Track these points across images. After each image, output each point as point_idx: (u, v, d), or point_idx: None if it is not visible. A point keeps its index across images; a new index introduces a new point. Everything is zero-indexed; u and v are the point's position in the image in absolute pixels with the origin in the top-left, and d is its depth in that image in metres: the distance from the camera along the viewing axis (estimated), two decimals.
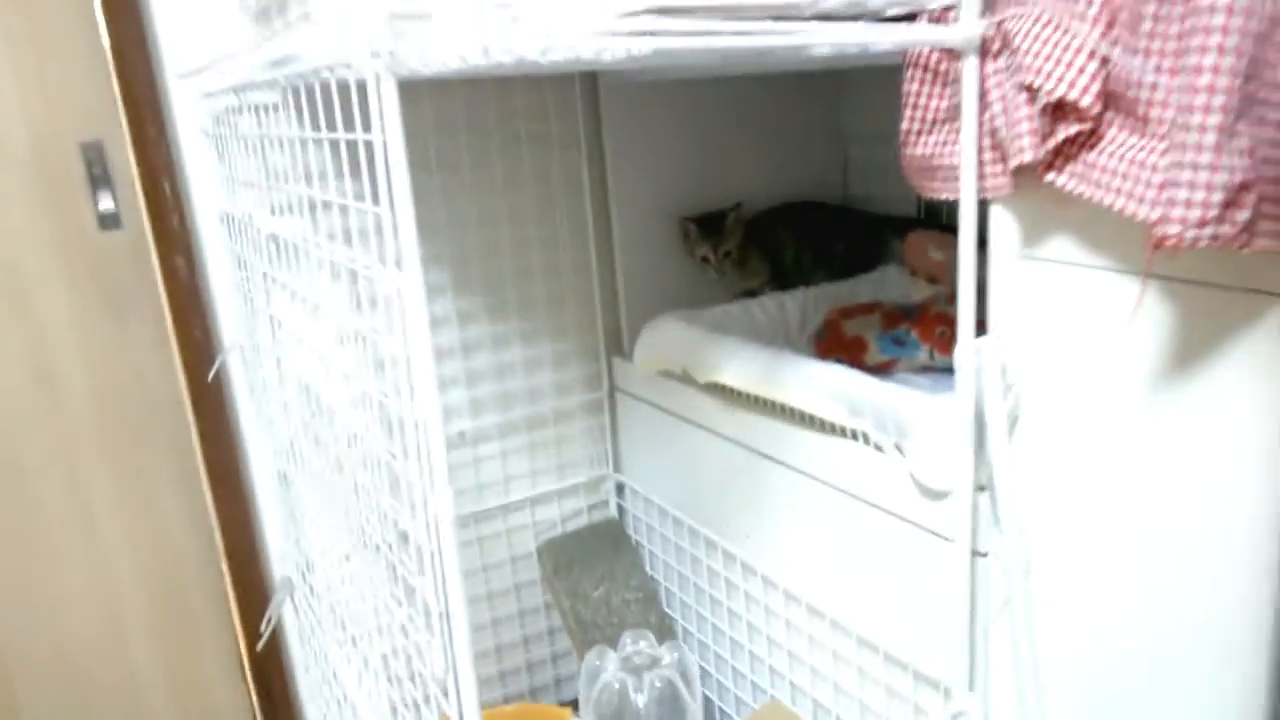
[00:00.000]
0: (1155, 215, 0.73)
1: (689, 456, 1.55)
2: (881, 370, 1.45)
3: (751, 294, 1.67)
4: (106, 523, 1.54)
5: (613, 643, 1.61)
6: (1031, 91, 0.84)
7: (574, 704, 1.70)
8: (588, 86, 1.60)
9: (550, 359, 1.68)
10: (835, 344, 1.50)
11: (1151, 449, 0.85)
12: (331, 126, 0.81)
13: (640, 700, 0.76)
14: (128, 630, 1.59)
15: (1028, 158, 0.85)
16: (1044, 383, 0.95)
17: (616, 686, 0.76)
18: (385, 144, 0.67)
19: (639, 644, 0.79)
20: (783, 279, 1.71)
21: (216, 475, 1.54)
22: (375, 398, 0.84)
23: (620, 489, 1.78)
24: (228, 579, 1.60)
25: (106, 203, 1.43)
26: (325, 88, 0.85)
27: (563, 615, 1.70)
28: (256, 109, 1.21)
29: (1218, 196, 0.68)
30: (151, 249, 1.44)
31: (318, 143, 1.03)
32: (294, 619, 1.63)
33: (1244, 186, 0.68)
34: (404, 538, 0.87)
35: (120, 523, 1.55)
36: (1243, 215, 0.69)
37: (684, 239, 1.67)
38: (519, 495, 1.71)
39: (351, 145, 0.79)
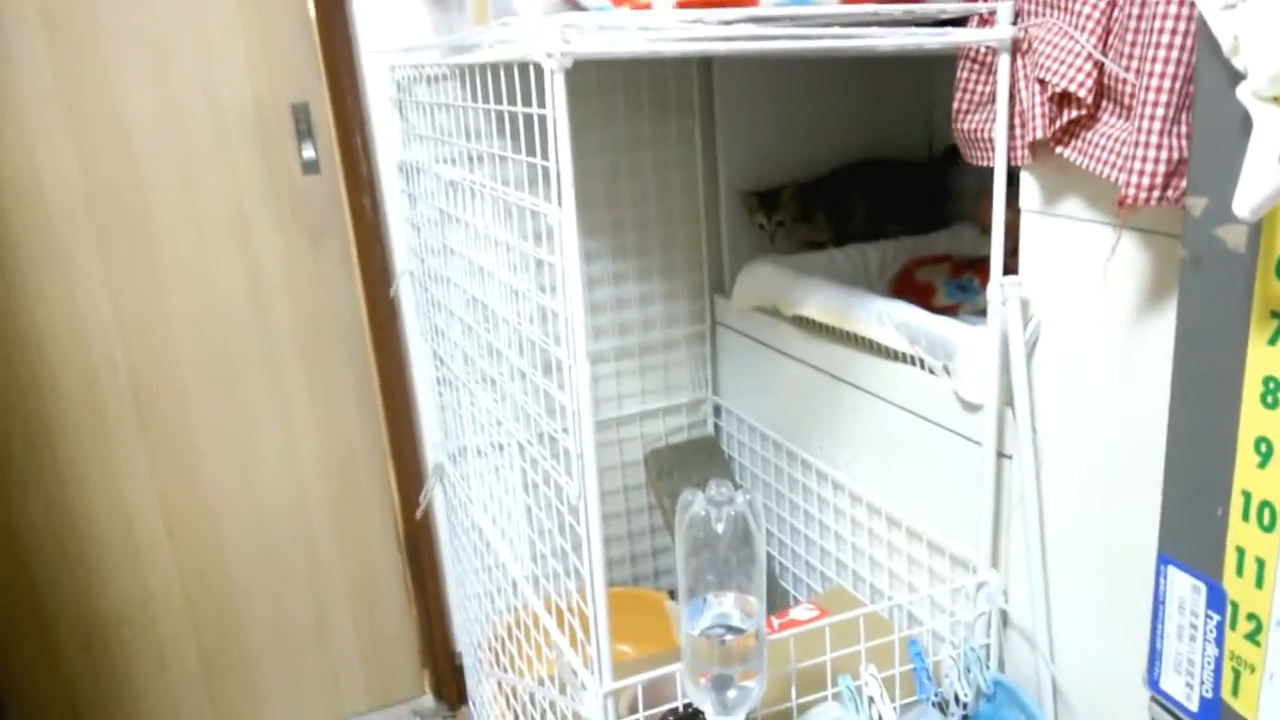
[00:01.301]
0: (1122, 180, 0.97)
1: (777, 381, 1.82)
2: (947, 312, 1.68)
3: (820, 246, 1.90)
4: (298, 416, 1.90)
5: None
6: (1043, 84, 1.08)
7: (670, 592, 2.01)
8: (703, 61, 1.87)
9: (661, 295, 1.97)
10: (907, 288, 1.75)
11: (1133, 365, 1.09)
12: (511, 100, 1.10)
13: (720, 528, 1.04)
14: (310, 503, 1.96)
15: (1040, 134, 1.09)
16: (1057, 315, 1.20)
17: (702, 514, 1.05)
18: (554, 118, 0.96)
19: (720, 488, 1.07)
20: (849, 234, 1.92)
21: (385, 378, 1.88)
22: (535, 301, 1.14)
23: (717, 410, 2.07)
24: (390, 464, 1.95)
25: (309, 152, 1.76)
26: (498, 71, 1.14)
27: (664, 514, 2.00)
28: (435, 79, 1.52)
29: (1162, 169, 0.92)
30: (343, 191, 1.78)
31: (475, 109, 1.33)
32: (442, 499, 1.97)
33: (1183, 161, 0.92)
34: (551, 404, 1.17)
35: (309, 417, 1.91)
36: (1181, 183, 0.92)
37: (745, 208, 1.90)
38: (630, 410, 2.01)
39: (513, 113, 1.08)
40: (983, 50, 1.22)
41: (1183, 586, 0.80)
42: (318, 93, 1.75)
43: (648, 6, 1.05)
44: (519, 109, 1.07)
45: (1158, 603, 0.83)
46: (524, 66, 1.06)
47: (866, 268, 1.86)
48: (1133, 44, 0.99)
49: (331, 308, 1.87)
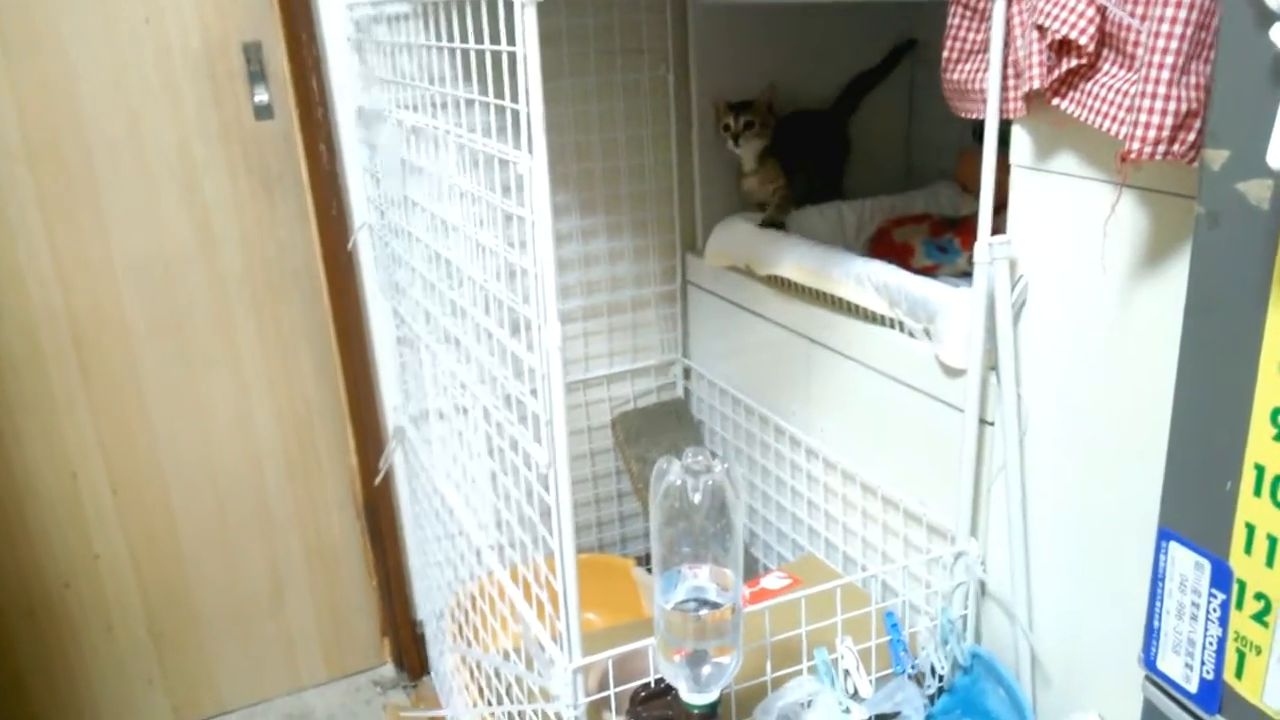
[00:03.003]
0: (1124, 134, 0.92)
1: (749, 343, 1.77)
2: (925, 273, 1.63)
3: (762, 207, 1.80)
4: (250, 372, 1.82)
5: None
6: (1042, 31, 1.02)
7: (638, 558, 1.96)
8: (678, 8, 1.79)
9: (631, 252, 1.90)
10: (885, 248, 1.70)
11: (1127, 330, 1.05)
12: (478, 40, 1.03)
13: (696, 497, 0.99)
14: (264, 463, 1.88)
15: (1036, 85, 1.04)
16: (1046, 276, 1.15)
17: (678, 484, 0.99)
18: (525, 55, 0.89)
19: (697, 456, 1.02)
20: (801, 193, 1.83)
21: (343, 335, 1.80)
22: (502, 257, 1.07)
23: (687, 373, 2.01)
24: (348, 425, 1.88)
25: (261, 96, 1.67)
26: (464, 7, 1.06)
27: (632, 479, 1.95)
28: (396, 19, 1.44)
29: (1170, 121, 0.87)
30: (298, 137, 1.69)
31: (440, 50, 1.25)
32: (402, 464, 1.90)
33: (1192, 114, 0.86)
34: (519, 367, 1.11)
35: (262, 372, 1.83)
36: (1190, 137, 0.87)
37: (715, 121, 1.78)
38: (598, 373, 1.95)
39: (477, 53, 1.01)
40: None
41: (1185, 563, 0.75)
42: (271, 32, 1.65)
43: None
44: (486, 47, 0.99)
45: (1156, 579, 0.79)
46: (489, 3, 0.99)
47: (843, 227, 1.80)
48: None
49: (286, 259, 1.78)
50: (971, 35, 1.18)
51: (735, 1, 1.74)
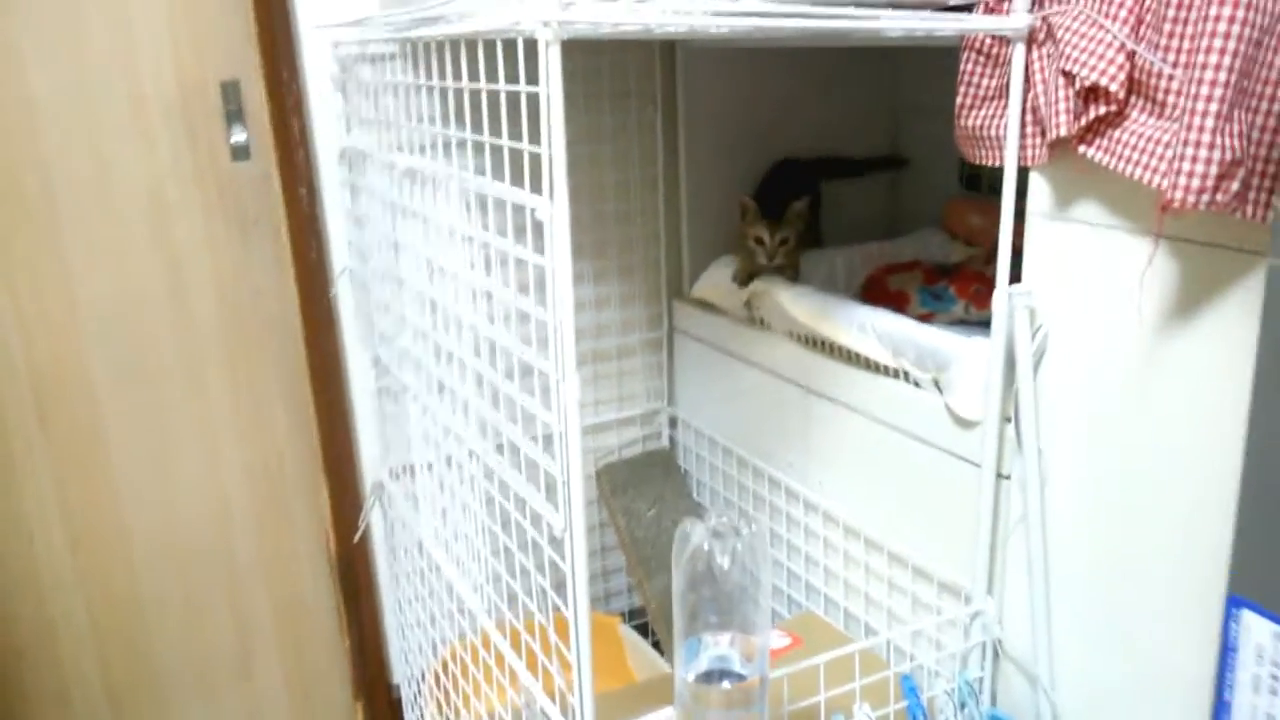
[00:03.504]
0: (1165, 183, 0.89)
1: (740, 391, 1.72)
2: (920, 322, 1.61)
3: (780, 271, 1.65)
4: (221, 423, 1.74)
5: (663, 559, 1.79)
6: (1069, 76, 1.00)
7: (623, 615, 1.90)
8: (666, 51, 1.76)
9: (617, 298, 1.85)
10: (879, 296, 1.67)
11: (1154, 381, 1.02)
12: (480, 78, 0.98)
13: (724, 563, 0.94)
14: (232, 518, 1.79)
15: (1063, 132, 1.01)
16: (1067, 326, 1.12)
17: (705, 548, 0.94)
18: (549, 96, 0.84)
19: (722, 518, 0.96)
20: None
21: (320, 385, 1.73)
22: (512, 304, 1.02)
23: (673, 422, 1.96)
24: (323, 478, 1.80)
25: (239, 136, 1.61)
26: (473, 46, 1.02)
27: (618, 532, 1.89)
28: (384, 58, 1.39)
29: (1214, 170, 0.85)
30: (277, 179, 1.62)
31: (432, 91, 1.20)
32: (380, 520, 1.82)
33: (1235, 163, 0.84)
34: (514, 416, 1.05)
35: (232, 424, 1.75)
36: (1234, 186, 0.85)
37: (740, 217, 1.64)
38: (582, 423, 1.89)
39: (476, 93, 0.96)
40: (989, 41, 1.14)
41: (1261, 633, 0.72)
42: (250, 70, 1.59)
43: None
44: (501, 86, 0.95)
45: (1227, 650, 0.75)
46: (505, 42, 0.95)
47: (834, 274, 1.78)
48: (1171, 35, 0.92)
49: (261, 306, 1.71)
50: (986, 81, 1.16)
51: (722, 44, 1.72)
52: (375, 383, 1.71)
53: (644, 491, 1.89)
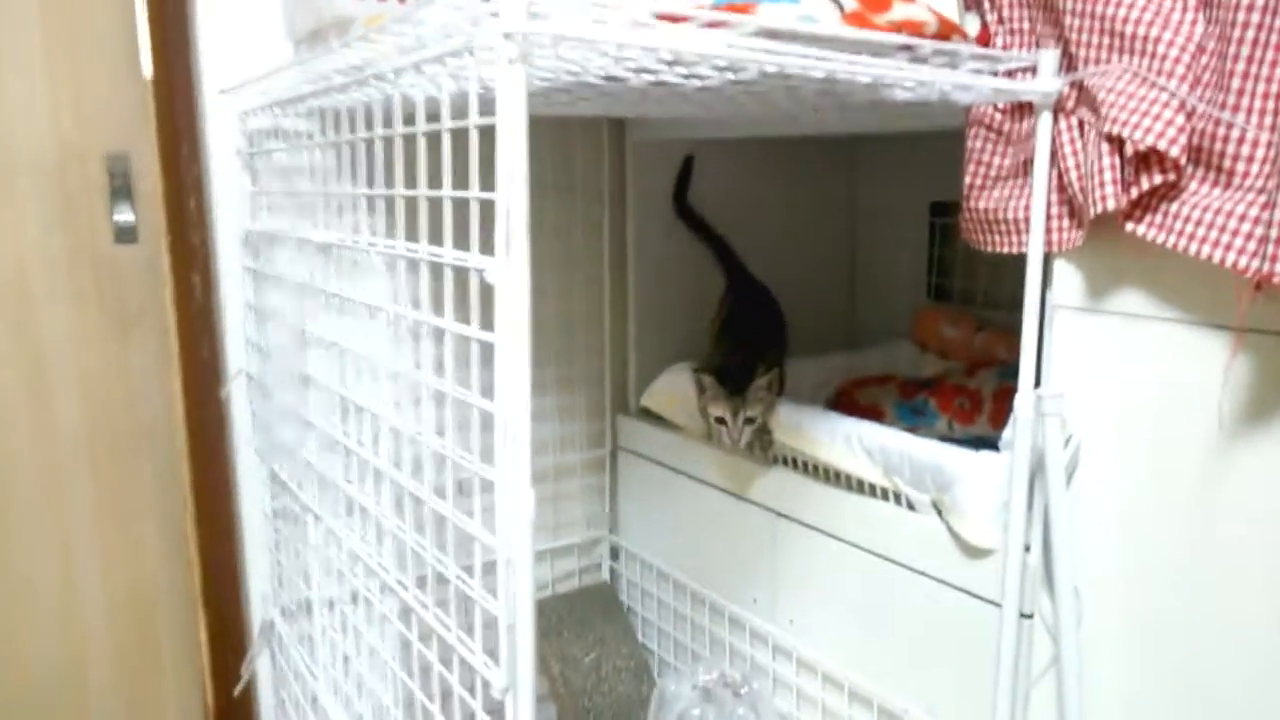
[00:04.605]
0: (1254, 264, 0.74)
1: (695, 516, 1.52)
2: None
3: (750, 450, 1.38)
4: (82, 546, 1.46)
5: (604, 715, 1.55)
6: (1115, 142, 0.86)
7: None
8: (615, 142, 1.61)
9: (555, 412, 1.65)
10: (850, 411, 1.49)
11: (1226, 499, 0.85)
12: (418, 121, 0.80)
13: None
14: (89, 661, 1.49)
15: (1110, 205, 0.87)
16: (1105, 435, 0.95)
17: (696, 713, 0.72)
18: (511, 125, 0.66)
19: (713, 673, 0.75)
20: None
21: (204, 505, 1.47)
22: (450, 398, 0.81)
23: (615, 552, 1.74)
24: (201, 616, 1.52)
25: (125, 215, 1.38)
26: (390, 99, 0.84)
27: (551, 681, 1.63)
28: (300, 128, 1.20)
29: None
30: (167, 265, 1.40)
31: (348, 146, 1.01)
32: (268, 667, 1.54)
33: None
34: (468, 547, 0.83)
35: (96, 548, 1.47)
36: None
37: (699, 392, 1.36)
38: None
39: (408, 140, 0.78)
40: (998, 116, 1.00)
41: None
42: (143, 142, 1.38)
43: None
44: (445, 125, 0.76)
45: None
46: (448, 101, 0.77)
47: (796, 385, 1.60)
48: (1242, 92, 0.78)
49: (138, 411, 1.46)
50: (997, 160, 1.02)
51: (676, 137, 1.58)
52: (270, 503, 1.45)
53: (582, 633, 1.65)
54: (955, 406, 1.45)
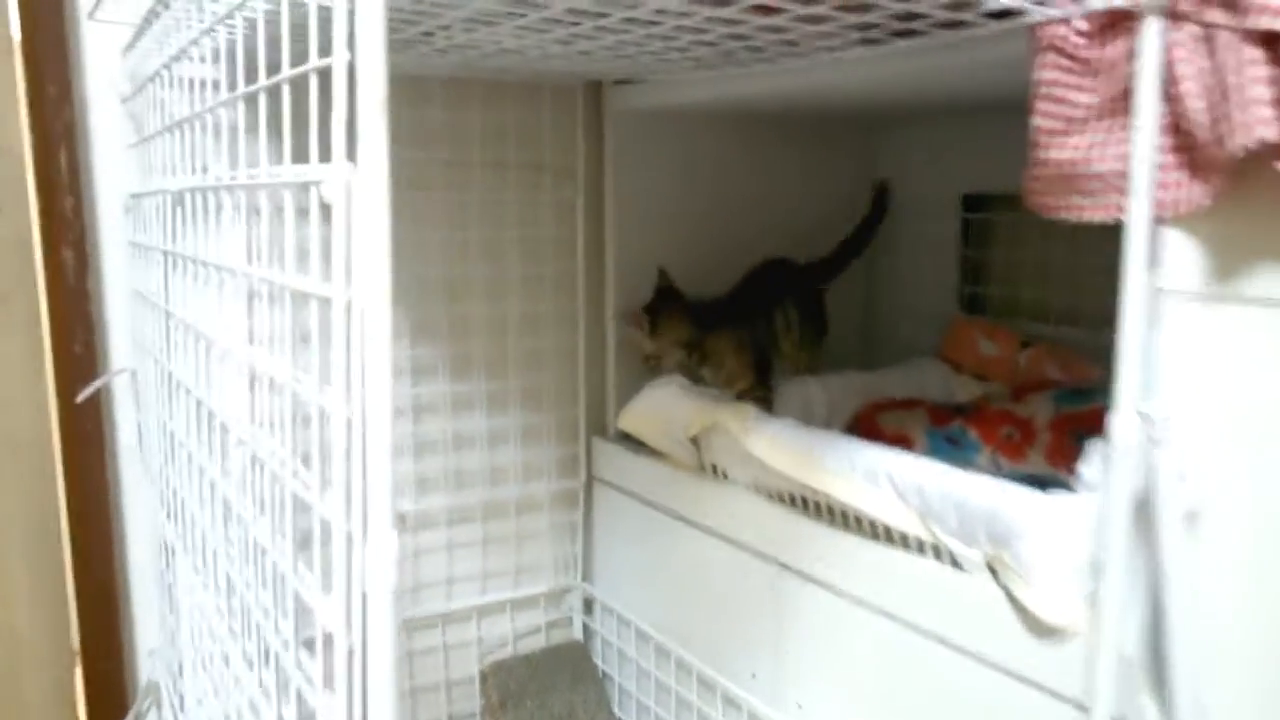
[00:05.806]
0: None
1: (682, 566, 1.25)
2: None
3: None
4: None
5: None
6: (1270, 43, 0.60)
7: None
8: (591, 107, 1.36)
9: (519, 432, 1.38)
10: (873, 439, 1.23)
11: None
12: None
13: None
14: None
15: (1263, 135, 0.60)
16: (1237, 471, 0.68)
17: None
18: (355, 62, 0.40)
19: None
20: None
21: (81, 538, 1.20)
22: (288, 392, 0.54)
23: (589, 605, 1.46)
24: (77, 673, 1.24)
25: None
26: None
27: None
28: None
29: None
30: (35, 238, 1.14)
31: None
32: None
33: None
34: (308, 618, 0.56)
35: None
36: None
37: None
38: (464, 603, 1.38)
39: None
40: (1078, 42, 0.74)
41: None
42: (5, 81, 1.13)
43: None
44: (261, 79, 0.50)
45: None
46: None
47: (810, 408, 1.33)
48: None
49: (3, 420, 1.19)
50: (1078, 95, 0.75)
51: (663, 105, 1.31)
52: (162, 533, 1.19)
53: (547, 702, 1.38)
54: (1001, 437, 1.17)
